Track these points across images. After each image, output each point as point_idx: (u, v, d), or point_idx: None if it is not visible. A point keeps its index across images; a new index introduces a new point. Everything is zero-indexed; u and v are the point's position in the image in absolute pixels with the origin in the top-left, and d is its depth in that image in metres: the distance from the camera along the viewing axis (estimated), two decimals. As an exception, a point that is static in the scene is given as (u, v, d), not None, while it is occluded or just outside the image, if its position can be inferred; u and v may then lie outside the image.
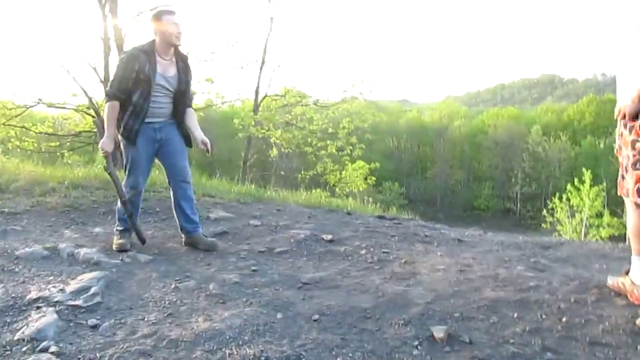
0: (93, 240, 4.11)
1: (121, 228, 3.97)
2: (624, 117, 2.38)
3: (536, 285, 3.01)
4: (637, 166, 2.43)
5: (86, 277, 3.11)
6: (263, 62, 13.63)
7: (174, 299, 2.88)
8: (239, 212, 5.29)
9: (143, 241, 3.97)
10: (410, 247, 4.08)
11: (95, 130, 10.84)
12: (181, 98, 3.92)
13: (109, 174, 3.86)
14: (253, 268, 3.49)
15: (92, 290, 2.92)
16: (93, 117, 10.50)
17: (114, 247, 3.85)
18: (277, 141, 13.50)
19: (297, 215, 5.31)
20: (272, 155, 14.55)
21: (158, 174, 6.01)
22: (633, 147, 2.44)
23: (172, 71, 3.85)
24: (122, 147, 3.88)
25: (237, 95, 13.97)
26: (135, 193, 3.95)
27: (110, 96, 3.75)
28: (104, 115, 3.80)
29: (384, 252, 3.84)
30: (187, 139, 4.03)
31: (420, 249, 3.98)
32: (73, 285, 3.00)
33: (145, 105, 3.75)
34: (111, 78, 3.88)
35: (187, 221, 4.03)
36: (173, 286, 3.10)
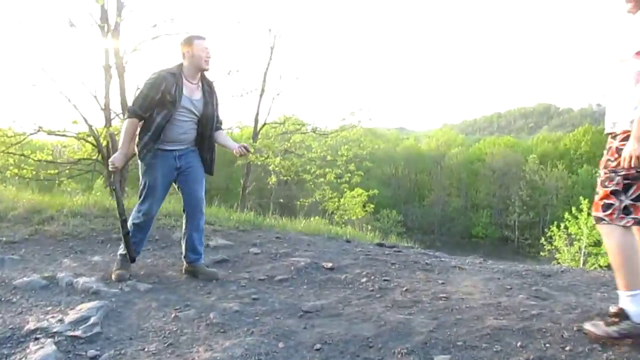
0: (92, 269, 4.08)
1: (124, 252, 3.92)
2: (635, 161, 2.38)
3: (539, 314, 2.99)
4: (606, 184, 2.53)
5: (85, 307, 3.09)
6: (263, 91, 13.76)
7: (174, 329, 2.85)
8: (238, 239, 5.27)
9: (133, 259, 3.91)
10: (411, 275, 4.06)
11: (95, 157, 10.93)
12: (207, 123, 3.89)
13: (114, 189, 3.83)
14: (254, 296, 3.46)
15: (92, 320, 2.89)
16: (93, 144, 10.52)
17: (113, 276, 3.81)
18: (276, 169, 13.53)
19: (296, 242, 5.29)
20: (270, 183, 14.57)
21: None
22: (605, 167, 2.56)
23: (198, 95, 3.84)
24: (140, 171, 3.85)
25: (236, 123, 14.06)
26: (147, 219, 3.90)
27: (130, 112, 3.74)
28: (121, 130, 3.79)
29: (384, 280, 3.82)
30: (208, 167, 3.99)
31: (421, 277, 3.97)
32: (72, 315, 2.97)
33: (168, 127, 3.72)
34: (135, 95, 3.89)
35: (193, 251, 4.00)
36: (173, 315, 3.07)
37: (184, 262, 4.03)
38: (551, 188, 56.78)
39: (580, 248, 21.93)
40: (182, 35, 11.26)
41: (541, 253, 26.91)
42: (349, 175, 14.33)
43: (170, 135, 3.76)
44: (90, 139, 10.56)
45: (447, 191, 64.29)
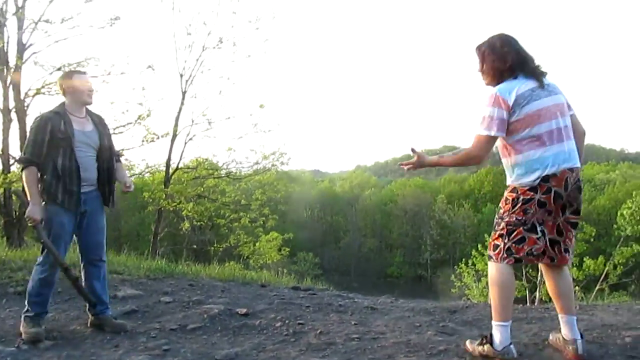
0: (-16, 326, 3.77)
1: (32, 313, 3.58)
2: None
3: (445, 349, 3.12)
4: (495, 228, 2.96)
5: (-24, 368, 2.85)
6: (175, 135, 13.54)
7: (77, 386, 2.69)
8: (149, 288, 5.09)
9: (94, 304, 3.74)
10: (325, 317, 4.10)
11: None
12: (105, 155, 3.76)
13: (43, 242, 3.57)
14: (164, 347, 3.35)
15: (-17, 382, 2.67)
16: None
17: (24, 336, 3.47)
18: (189, 214, 13.25)
19: (210, 289, 5.19)
20: (184, 229, 14.21)
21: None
22: (497, 213, 3.02)
23: (89, 127, 3.73)
24: (43, 217, 3.61)
25: (146, 167, 13.70)
26: (55, 272, 3.64)
27: (24, 162, 3.58)
28: (24, 183, 3.58)
29: (299, 324, 3.83)
30: (107, 199, 3.83)
31: (334, 319, 4.02)
32: (-40, 378, 2.73)
33: (73, 166, 3.57)
34: (25, 144, 3.71)
35: (97, 302, 3.80)
36: (76, 372, 2.90)
37: (89, 315, 3.82)
38: (459, 227, 59.43)
39: (487, 283, 22.98)
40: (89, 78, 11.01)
41: (452, 290, 27.87)
42: (264, 219, 14.32)
43: (74, 176, 3.60)
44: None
45: (362, 232, 65.48)
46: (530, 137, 2.82)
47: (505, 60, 2.90)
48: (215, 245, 15.15)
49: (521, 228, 2.82)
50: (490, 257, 2.98)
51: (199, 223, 14.24)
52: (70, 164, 3.58)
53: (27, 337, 3.47)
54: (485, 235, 25.29)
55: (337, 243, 65.05)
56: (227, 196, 14.06)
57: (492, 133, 2.83)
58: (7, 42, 9.87)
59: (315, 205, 67.29)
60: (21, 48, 10.11)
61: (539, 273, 15.61)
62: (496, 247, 2.92)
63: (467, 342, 3.07)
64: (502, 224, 2.89)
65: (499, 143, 2.95)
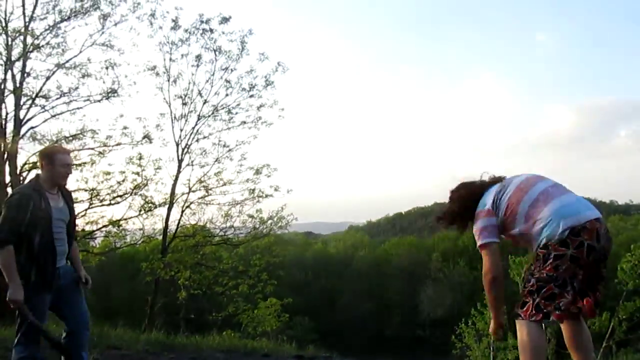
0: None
1: None
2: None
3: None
4: (526, 285, 2.93)
5: None
6: (172, 203, 13.56)
7: None
8: (149, 363, 4.96)
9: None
10: (334, 388, 4.00)
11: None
12: (70, 229, 3.72)
13: (30, 323, 3.45)
14: None
15: None
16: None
17: None
18: (186, 282, 13.04)
19: (213, 362, 5.07)
20: (180, 298, 13.93)
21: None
22: (527, 270, 3.04)
23: (60, 203, 3.68)
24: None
25: (142, 237, 13.62)
26: (37, 350, 3.49)
27: (2, 242, 3.37)
28: (1, 264, 3.37)
29: (308, 397, 3.73)
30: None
31: (344, 390, 3.91)
32: None
33: (49, 245, 3.49)
34: None
35: None
36: None
37: None
38: (455, 285, 58.73)
39: (489, 343, 22.50)
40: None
41: (453, 351, 27.20)
42: (262, 284, 14.12)
43: (49, 255, 3.52)
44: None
45: (358, 293, 64.42)
46: (528, 211, 2.90)
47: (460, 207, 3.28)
48: (214, 314, 14.84)
49: (552, 284, 2.77)
50: (517, 316, 2.90)
51: (196, 292, 13.99)
52: (48, 242, 3.51)
53: None
54: (483, 293, 24.99)
55: (333, 305, 63.84)
56: (224, 263, 13.92)
57: (487, 240, 2.98)
58: (5, 119, 10.04)
59: (309, 268, 66.51)
60: (18, 123, 10.28)
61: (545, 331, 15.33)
62: (524, 304, 2.86)
63: None
64: (532, 280, 2.86)
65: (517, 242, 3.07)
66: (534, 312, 2.81)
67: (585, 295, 2.80)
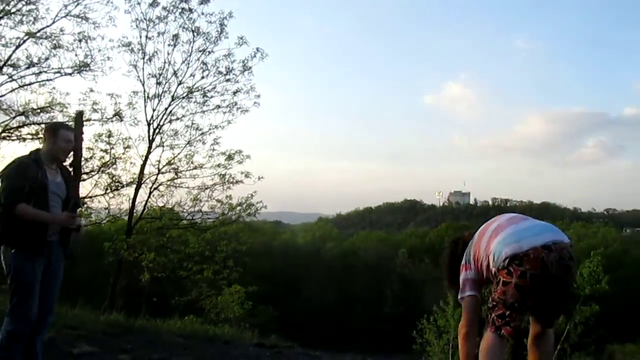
0: None
1: None
2: None
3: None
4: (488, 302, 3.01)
5: None
6: (140, 183, 13.29)
7: None
8: (106, 345, 4.86)
9: None
10: (294, 378, 3.97)
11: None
12: (69, 205, 3.67)
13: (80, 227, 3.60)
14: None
15: None
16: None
17: None
18: (150, 265, 12.83)
19: (172, 346, 4.99)
20: (143, 280, 13.71)
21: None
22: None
23: (59, 178, 3.70)
24: (11, 267, 3.43)
25: (107, 216, 13.36)
26: (26, 325, 3.40)
27: (10, 205, 3.39)
28: (30, 217, 3.42)
29: (267, 386, 3.70)
30: (69, 249, 3.75)
31: (304, 381, 3.89)
32: None
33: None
34: None
35: (30, 357, 3.55)
36: None
37: None
38: (420, 281, 59.46)
39: (448, 340, 22.88)
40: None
41: (413, 346, 27.58)
42: (227, 271, 14.00)
43: (43, 225, 3.51)
44: None
45: (323, 285, 64.68)
46: (485, 250, 3.02)
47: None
48: (177, 298, 14.65)
49: (501, 305, 2.87)
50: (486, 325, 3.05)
51: (159, 275, 13.79)
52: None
53: None
54: (448, 293, 25.51)
55: (298, 296, 63.98)
56: (190, 247, 13.75)
57: (462, 295, 3.16)
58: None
59: (276, 257, 66.46)
60: (-17, 91, 9.92)
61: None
62: (487, 316, 3.00)
63: None
64: (490, 299, 2.99)
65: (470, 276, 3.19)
66: (493, 327, 2.93)
67: (539, 315, 3.02)
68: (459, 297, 3.19)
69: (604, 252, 19.11)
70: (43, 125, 10.44)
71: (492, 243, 2.96)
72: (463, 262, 3.21)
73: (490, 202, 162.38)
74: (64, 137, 3.69)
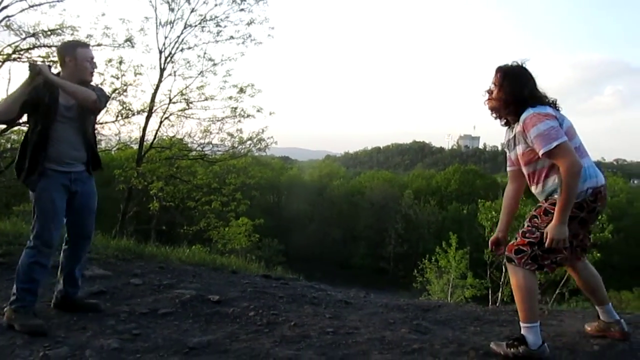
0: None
1: (24, 303, 3.28)
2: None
3: (420, 348, 3.13)
4: (526, 234, 2.95)
5: None
6: (151, 112, 13.23)
7: (44, 370, 2.60)
8: (117, 269, 4.96)
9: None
10: (299, 308, 4.07)
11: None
12: (87, 122, 3.48)
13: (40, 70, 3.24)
14: (134, 332, 3.27)
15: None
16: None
17: (21, 329, 3.13)
18: (159, 194, 12.98)
19: (181, 273, 5.10)
20: (152, 208, 13.92)
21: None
22: (529, 220, 3.00)
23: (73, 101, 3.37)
24: (32, 195, 3.32)
25: (117, 143, 13.40)
26: (48, 252, 3.36)
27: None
28: (51, 72, 3.25)
29: (272, 314, 3.79)
30: (97, 162, 3.62)
31: (308, 311, 3.99)
32: None
33: (56, 143, 3.29)
34: None
35: (72, 285, 3.63)
36: (41, 354, 2.81)
37: (57, 295, 3.67)
38: (424, 222, 60.14)
39: (448, 280, 23.39)
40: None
41: (414, 284, 28.24)
42: (235, 203, 14.17)
43: (61, 153, 3.34)
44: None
45: (328, 222, 65.63)
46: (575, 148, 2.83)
47: (522, 92, 2.92)
48: (185, 227, 14.94)
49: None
50: (510, 260, 3.00)
51: (169, 204, 13.98)
52: (56, 141, 3.32)
53: (28, 330, 3.15)
54: (450, 233, 25.81)
55: (303, 231, 65.09)
56: (199, 178, 13.85)
57: (562, 140, 2.74)
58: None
59: (283, 192, 67.16)
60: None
61: (503, 274, 15.94)
62: (520, 251, 2.94)
63: (493, 345, 3.07)
64: (537, 234, 2.89)
65: (538, 166, 2.94)
66: (529, 261, 2.92)
67: (576, 248, 3.01)
68: (555, 143, 2.70)
69: (610, 201, 19.17)
70: (54, 48, 10.28)
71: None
72: (550, 111, 2.84)
73: (500, 147, 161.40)
74: (83, 55, 3.39)
